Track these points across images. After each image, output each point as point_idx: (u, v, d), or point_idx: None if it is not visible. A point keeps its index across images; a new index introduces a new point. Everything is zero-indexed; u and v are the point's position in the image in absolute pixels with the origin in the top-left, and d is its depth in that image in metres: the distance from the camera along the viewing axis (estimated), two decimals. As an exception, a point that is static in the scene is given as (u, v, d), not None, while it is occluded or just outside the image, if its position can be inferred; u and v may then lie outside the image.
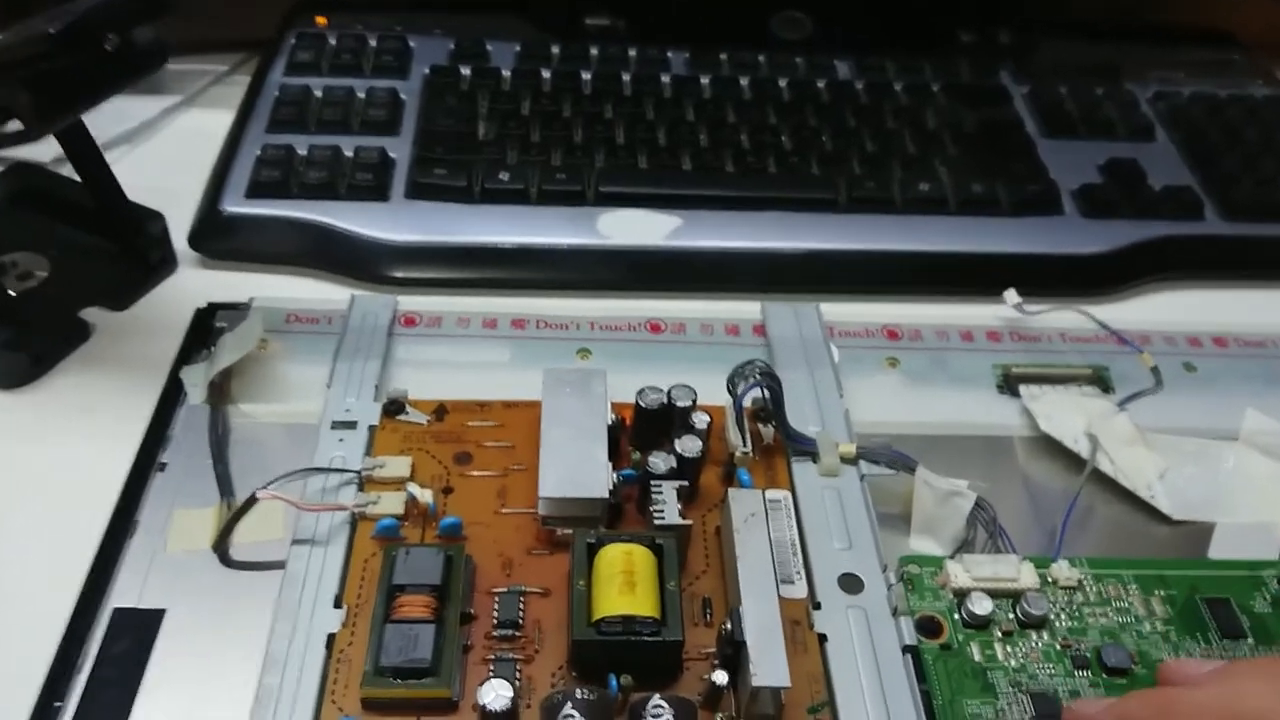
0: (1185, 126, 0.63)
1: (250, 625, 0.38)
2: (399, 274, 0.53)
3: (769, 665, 0.34)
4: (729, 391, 0.43)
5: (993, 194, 0.57)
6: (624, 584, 0.36)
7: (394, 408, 0.45)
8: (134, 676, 0.37)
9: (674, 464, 0.40)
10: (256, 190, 0.55)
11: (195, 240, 0.54)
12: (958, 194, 0.57)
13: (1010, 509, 0.44)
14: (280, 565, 0.39)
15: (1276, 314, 0.55)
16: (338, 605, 0.38)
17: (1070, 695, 0.37)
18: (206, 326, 0.50)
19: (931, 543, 0.43)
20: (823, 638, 0.38)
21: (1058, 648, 0.38)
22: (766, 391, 0.43)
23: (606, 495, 0.39)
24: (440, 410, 0.45)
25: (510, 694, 0.33)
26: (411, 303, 0.51)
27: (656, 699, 0.33)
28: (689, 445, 0.41)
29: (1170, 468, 0.46)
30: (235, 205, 0.55)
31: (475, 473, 0.43)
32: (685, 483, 0.40)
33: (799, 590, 0.40)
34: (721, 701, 0.36)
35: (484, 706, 0.33)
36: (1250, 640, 0.39)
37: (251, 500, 0.39)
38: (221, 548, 0.41)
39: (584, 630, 0.35)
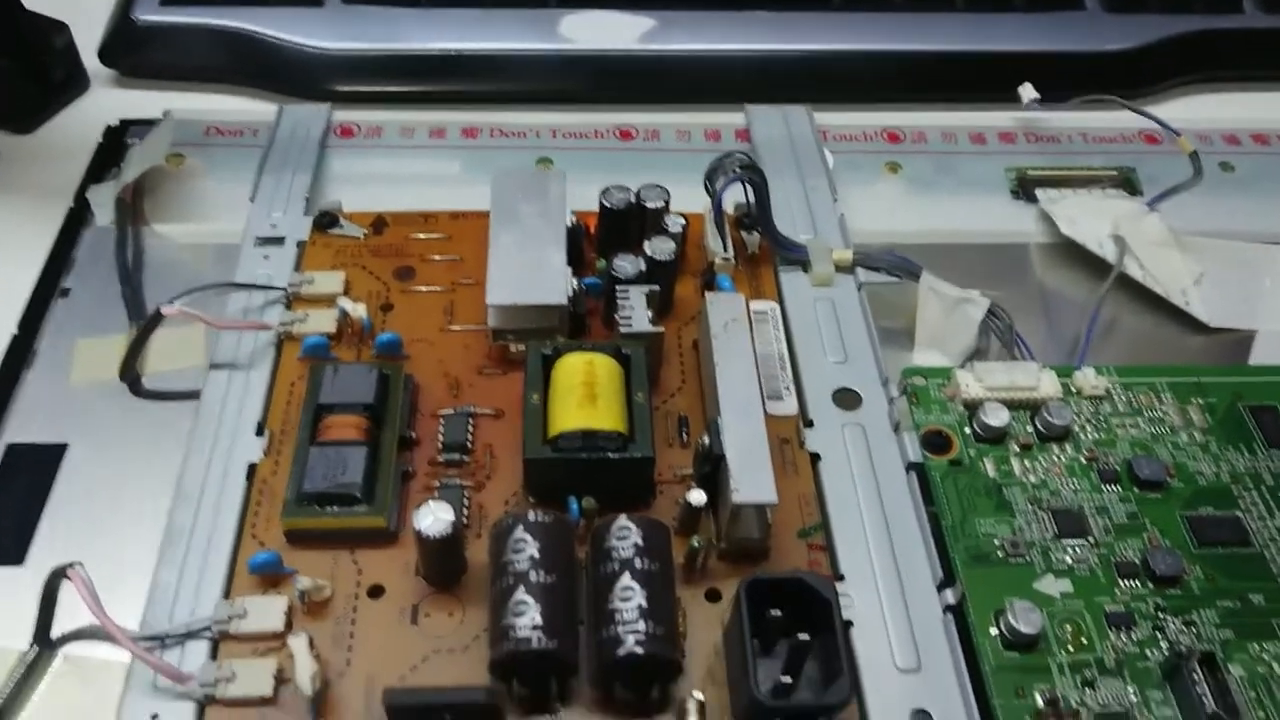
0: (1222, -93, 0.56)
1: (165, 459, 0.33)
2: (336, 87, 0.47)
3: (752, 480, 0.29)
4: (706, 189, 0.37)
5: (1005, -14, 0.51)
6: (584, 396, 0.31)
7: (326, 221, 0.39)
8: (30, 516, 0.33)
9: (643, 268, 0.35)
10: (173, -4, 0.49)
11: (106, 55, 0.48)
12: (966, -13, 0.51)
13: (1028, 321, 0.39)
14: (198, 395, 0.35)
15: (1323, 112, 0.49)
16: (260, 433, 0.33)
17: (1098, 512, 0.32)
18: (118, 145, 0.44)
19: (939, 356, 0.38)
20: (815, 457, 0.34)
21: (1083, 461, 0.33)
22: (749, 187, 0.37)
23: (565, 302, 0.34)
24: (379, 223, 0.39)
25: (451, 517, 0.28)
26: (349, 113, 0.46)
27: (623, 520, 0.29)
28: (660, 247, 0.36)
29: (1206, 272, 0.41)
30: (150, 13, 0.48)
31: (418, 288, 0.37)
32: (656, 288, 0.34)
33: (788, 406, 0.35)
34: (699, 526, 0.31)
35: (421, 532, 0.28)
36: (1300, 450, 0.34)
37: (157, 317, 0.34)
38: (130, 377, 0.36)
39: (537, 448, 0.31)
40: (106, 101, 0.47)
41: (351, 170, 0.43)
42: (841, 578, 0.31)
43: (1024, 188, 0.44)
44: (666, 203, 0.38)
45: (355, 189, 0.42)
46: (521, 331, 0.34)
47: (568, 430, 0.30)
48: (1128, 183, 0.45)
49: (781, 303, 0.38)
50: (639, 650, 0.26)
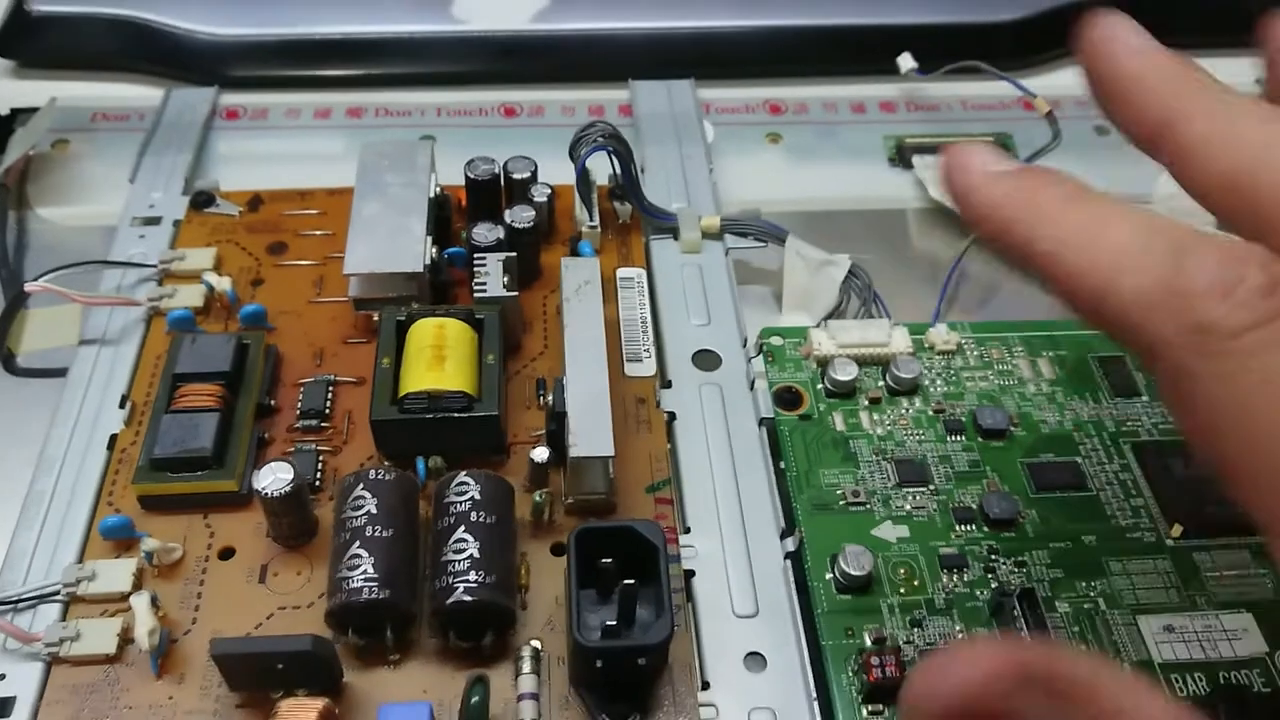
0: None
1: (34, 435, 0.34)
2: (229, 72, 0.48)
3: (589, 434, 0.30)
4: (570, 158, 0.38)
5: (894, -40, 0.51)
6: (433, 358, 0.32)
7: (202, 200, 0.40)
8: (-104, 491, 0.33)
9: (501, 235, 0.36)
10: (67, -15, 0.49)
11: (1, 45, 0.48)
12: (855, -39, 0.51)
13: (900, 283, 0.40)
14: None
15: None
16: (123, 405, 0.34)
17: (940, 460, 0.33)
18: (7, 134, 0.44)
19: (805, 317, 0.39)
20: (671, 416, 0.34)
21: (930, 413, 0.34)
22: (614, 158, 0.38)
23: (422, 269, 0.34)
24: (255, 201, 0.40)
25: (290, 476, 0.29)
26: (236, 97, 0.46)
27: (462, 475, 0.30)
28: (520, 215, 0.36)
29: (1072, 231, 0.41)
30: (44, 3, 0.49)
31: (289, 262, 0.38)
32: (513, 255, 0.35)
33: (647, 368, 0.35)
34: (548, 482, 0.32)
35: (260, 491, 0.29)
36: (1145, 398, 0.35)
37: (22, 295, 0.35)
38: (2, 353, 0.36)
39: (384, 409, 0.31)
40: (1, 92, 0.48)
41: (235, 151, 0.44)
42: (688, 530, 0.32)
43: (901, 155, 0.45)
44: (534, 173, 0.38)
45: (238, 169, 0.43)
46: (383, 301, 0.35)
47: (414, 391, 0.31)
48: (1004, 147, 0.46)
49: (650, 269, 0.39)
50: (467, 598, 0.27)
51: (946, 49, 0.49)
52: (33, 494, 0.32)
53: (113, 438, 0.33)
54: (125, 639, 0.28)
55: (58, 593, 0.29)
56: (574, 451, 0.30)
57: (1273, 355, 0.19)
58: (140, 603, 0.28)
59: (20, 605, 0.29)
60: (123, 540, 0.30)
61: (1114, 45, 0.23)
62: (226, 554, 0.31)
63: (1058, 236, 0.21)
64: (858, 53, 0.50)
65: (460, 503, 0.29)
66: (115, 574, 0.29)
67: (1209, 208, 0.22)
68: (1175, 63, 0.23)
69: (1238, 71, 0.48)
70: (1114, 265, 0.20)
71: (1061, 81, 0.50)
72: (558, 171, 0.39)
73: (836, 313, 0.38)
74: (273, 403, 0.34)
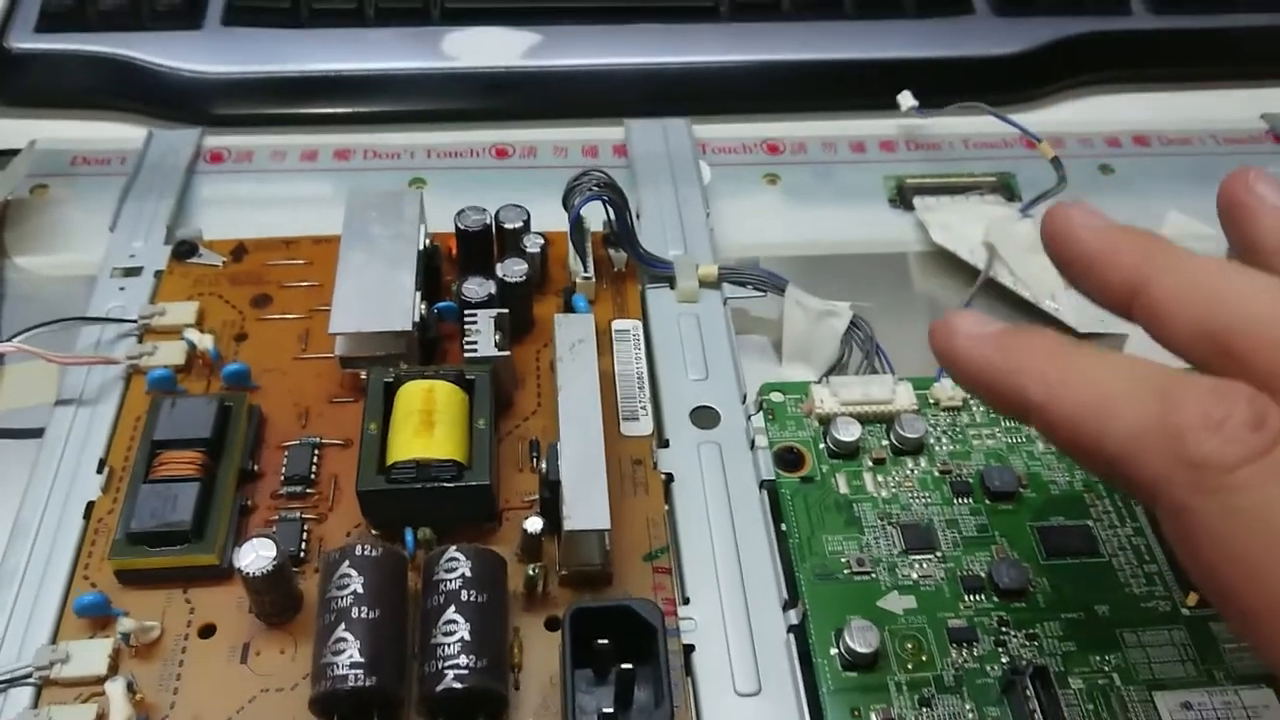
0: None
1: (8, 499, 0.33)
2: (216, 110, 0.46)
3: (584, 506, 0.29)
4: (564, 207, 0.37)
5: (894, -7, 0.51)
6: (421, 424, 0.31)
7: (184, 250, 0.39)
8: None
9: (493, 290, 0.35)
10: (48, 22, 0.48)
11: (-20, 84, 0.47)
12: (854, -5, 0.50)
13: (904, 331, 0.39)
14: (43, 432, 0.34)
15: (1205, 112, 0.49)
16: (100, 470, 0.33)
17: (947, 525, 0.32)
18: (-16, 176, 0.43)
19: (805, 369, 0.38)
20: (669, 478, 0.33)
21: (936, 474, 0.33)
22: (609, 207, 0.37)
23: (410, 328, 0.33)
24: (239, 250, 0.39)
25: (272, 554, 0.28)
26: (221, 139, 0.45)
27: (451, 551, 0.28)
28: (511, 269, 0.35)
29: (1078, 277, 0.40)
30: (24, 41, 0.48)
31: (273, 316, 0.37)
32: (505, 311, 0.34)
33: (643, 427, 0.34)
34: (542, 552, 0.31)
35: (241, 570, 0.28)
36: (1157, 456, 0.34)
37: (-5, 355, 0.33)
38: (-25, 414, 0.35)
39: (371, 479, 0.30)
40: (-20, 131, 0.47)
41: (219, 195, 0.43)
42: (687, 600, 0.31)
43: (902, 195, 0.44)
44: (526, 222, 0.37)
45: (222, 215, 0.42)
46: (370, 360, 0.34)
47: (401, 460, 0.30)
48: (1006, 188, 0.45)
49: (646, 320, 0.38)
50: (457, 685, 0.26)
51: (946, 83, 0.48)
52: (6, 565, 0.30)
53: (89, 506, 0.32)
54: (100, 726, 0.27)
55: (29, 676, 0.28)
56: (568, 525, 0.29)
57: (1268, 489, 0.19)
58: (116, 690, 0.27)
59: (-10, 690, 0.28)
60: (98, 618, 0.29)
61: (1072, 227, 0.25)
62: (207, 632, 0.29)
63: (1048, 387, 0.22)
64: (856, 88, 0.49)
65: (450, 580, 0.28)
66: (90, 656, 0.28)
67: (1185, 358, 0.23)
68: (1134, 233, 0.25)
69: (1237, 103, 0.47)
70: (1106, 407, 0.21)
71: (1063, 116, 0.49)
72: (550, 214, 0.38)
73: (838, 365, 0.37)
74: (255, 467, 0.32)
